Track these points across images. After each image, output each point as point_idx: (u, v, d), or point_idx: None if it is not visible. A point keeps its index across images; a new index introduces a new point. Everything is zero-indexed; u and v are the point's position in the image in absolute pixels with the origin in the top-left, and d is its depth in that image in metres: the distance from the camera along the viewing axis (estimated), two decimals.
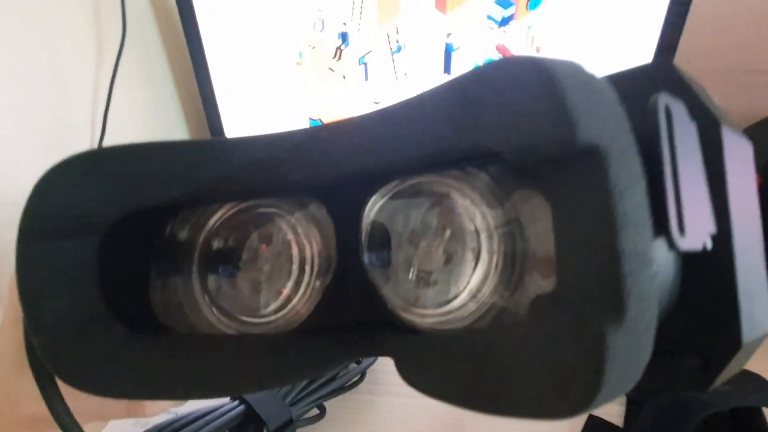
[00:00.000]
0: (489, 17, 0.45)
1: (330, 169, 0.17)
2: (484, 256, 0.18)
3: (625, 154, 0.11)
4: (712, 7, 0.50)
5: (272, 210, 0.22)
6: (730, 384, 0.26)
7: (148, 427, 0.29)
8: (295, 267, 0.21)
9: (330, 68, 0.51)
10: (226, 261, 0.22)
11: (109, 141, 0.46)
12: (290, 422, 0.29)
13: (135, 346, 0.18)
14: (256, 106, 0.54)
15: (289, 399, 0.30)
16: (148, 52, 0.54)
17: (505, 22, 0.45)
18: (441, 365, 0.15)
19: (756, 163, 0.45)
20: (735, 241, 0.15)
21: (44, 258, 0.17)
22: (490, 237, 0.18)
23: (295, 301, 0.21)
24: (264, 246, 0.22)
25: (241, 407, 0.29)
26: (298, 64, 0.51)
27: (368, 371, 0.34)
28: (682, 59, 0.45)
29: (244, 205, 0.22)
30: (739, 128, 0.18)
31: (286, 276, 0.21)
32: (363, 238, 0.20)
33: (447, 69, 0.49)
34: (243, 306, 0.22)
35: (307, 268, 0.21)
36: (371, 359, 0.34)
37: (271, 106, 0.54)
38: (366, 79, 0.51)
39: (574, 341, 0.11)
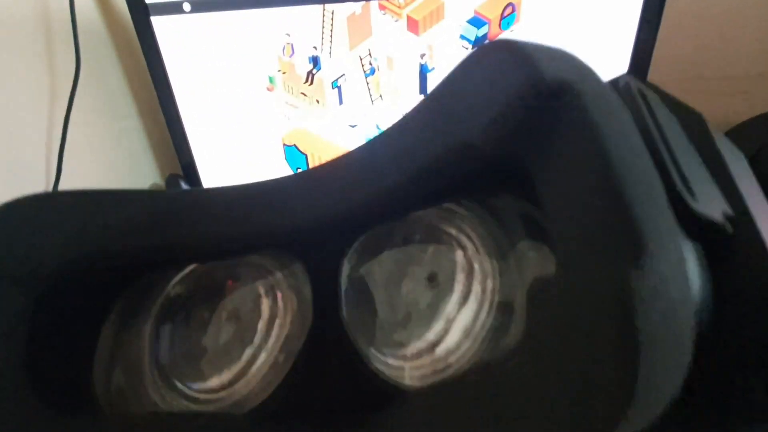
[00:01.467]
0: (462, 37, 0.45)
1: (307, 216, 0.16)
2: (476, 293, 0.16)
3: (601, 89, 0.10)
4: (679, 18, 0.50)
5: (244, 268, 0.20)
6: None
7: None
8: (261, 327, 0.19)
9: (303, 93, 0.49)
10: (185, 317, 0.19)
11: (68, 181, 0.43)
12: None
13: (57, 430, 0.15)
14: (228, 134, 0.52)
15: None
16: (107, 85, 0.51)
17: (479, 40, 0.45)
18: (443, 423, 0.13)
19: None
20: (762, 230, 0.12)
21: None
22: (483, 278, 0.16)
23: (254, 368, 0.18)
24: (228, 304, 0.19)
25: None
26: (269, 89, 0.49)
27: None
28: (654, 68, 0.45)
29: (211, 263, 0.20)
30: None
31: (249, 339, 0.19)
32: (343, 291, 0.18)
33: (423, 90, 0.47)
34: (193, 372, 0.18)
35: (274, 332, 0.19)
36: None
37: (244, 133, 0.51)
38: (340, 102, 0.49)
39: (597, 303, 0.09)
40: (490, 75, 0.12)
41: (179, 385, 0.18)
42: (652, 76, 0.45)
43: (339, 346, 0.17)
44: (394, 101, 0.48)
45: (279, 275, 0.19)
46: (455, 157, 0.13)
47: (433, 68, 0.46)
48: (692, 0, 0.51)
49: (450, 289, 0.16)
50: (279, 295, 0.19)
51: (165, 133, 0.51)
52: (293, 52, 0.47)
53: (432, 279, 0.17)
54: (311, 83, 0.48)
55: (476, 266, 0.16)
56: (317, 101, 0.49)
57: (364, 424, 0.15)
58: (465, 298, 0.16)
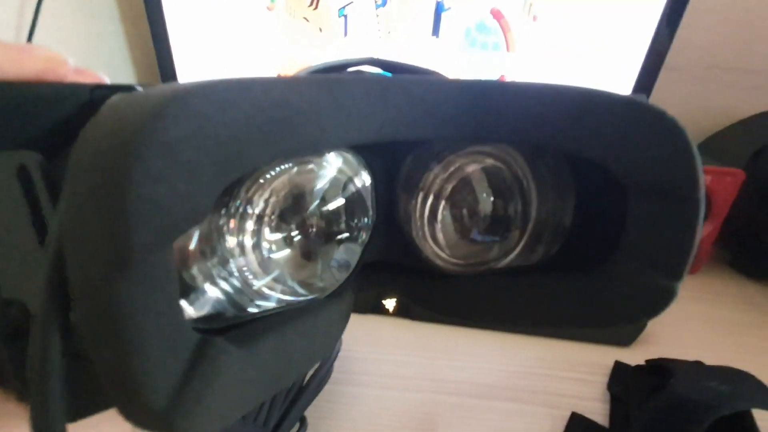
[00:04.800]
0: None
1: (382, 124, 0.15)
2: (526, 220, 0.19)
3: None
4: (704, 5, 0.48)
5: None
6: (730, 385, 0.24)
7: None
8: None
9: (305, 17, 0.45)
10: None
11: None
12: None
13: None
14: (217, 53, 0.47)
15: (271, 424, 0.24)
16: None
17: None
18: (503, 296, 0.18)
19: (740, 160, 0.44)
20: None
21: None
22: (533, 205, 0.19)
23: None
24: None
25: None
26: (269, 8, 0.45)
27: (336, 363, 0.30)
28: (673, 49, 0.43)
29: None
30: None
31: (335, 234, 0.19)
32: (403, 192, 0.19)
33: (435, 31, 0.44)
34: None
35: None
36: (335, 353, 0.30)
37: (234, 54, 0.47)
38: (345, 34, 0.45)
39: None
40: (651, 147, 0.14)
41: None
42: (669, 59, 0.43)
43: (397, 235, 0.19)
44: (403, 40, 0.45)
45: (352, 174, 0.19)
46: (578, 155, 0.15)
47: (449, 8, 0.43)
48: None
49: (508, 214, 0.19)
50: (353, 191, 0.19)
51: (148, 45, 0.46)
52: None
53: (495, 203, 0.19)
54: (316, 7, 0.44)
55: (531, 196, 0.19)
56: (320, 29, 0.45)
57: (417, 290, 0.19)
58: (523, 222, 0.19)
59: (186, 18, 0.45)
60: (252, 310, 0.16)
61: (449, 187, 0.19)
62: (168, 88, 0.11)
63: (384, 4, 0.43)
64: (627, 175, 0.15)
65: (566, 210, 0.18)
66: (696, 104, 0.54)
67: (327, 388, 0.29)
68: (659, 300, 0.15)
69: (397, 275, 0.20)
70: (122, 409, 0.11)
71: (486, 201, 0.19)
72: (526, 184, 0.19)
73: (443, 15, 0.43)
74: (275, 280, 0.16)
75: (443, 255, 0.19)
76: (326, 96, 0.13)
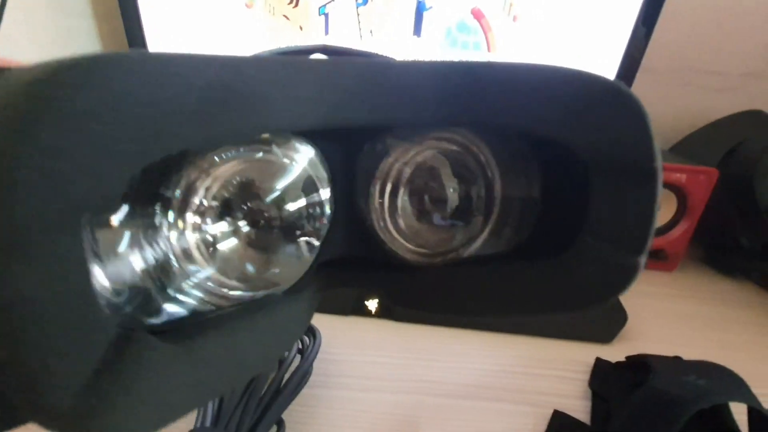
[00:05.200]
0: None
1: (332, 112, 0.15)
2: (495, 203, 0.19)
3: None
4: (679, 8, 0.50)
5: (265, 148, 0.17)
6: (707, 380, 0.25)
7: None
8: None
9: (285, 15, 0.44)
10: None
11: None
12: None
13: None
14: (195, 52, 0.46)
15: (244, 429, 0.23)
16: None
17: None
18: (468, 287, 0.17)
19: (714, 160, 0.45)
20: None
21: None
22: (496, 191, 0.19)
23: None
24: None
25: None
26: (247, 6, 0.44)
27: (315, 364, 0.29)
28: (648, 51, 0.44)
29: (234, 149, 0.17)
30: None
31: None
32: (362, 182, 0.19)
33: (417, 31, 0.44)
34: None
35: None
36: (314, 354, 0.29)
37: (212, 53, 0.46)
38: (326, 33, 0.45)
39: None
40: (613, 125, 0.14)
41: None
42: (644, 61, 0.44)
43: (358, 228, 0.19)
44: (385, 39, 0.44)
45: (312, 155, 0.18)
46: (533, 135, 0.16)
47: (430, 7, 0.43)
48: None
49: (472, 202, 0.19)
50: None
51: (122, 43, 0.45)
52: None
53: (456, 187, 0.19)
54: (296, 5, 0.44)
55: (494, 181, 0.19)
56: (300, 27, 0.45)
57: (383, 285, 0.19)
58: (487, 211, 0.19)
59: (162, 15, 0.44)
60: (190, 302, 0.15)
61: (408, 172, 0.18)
62: (83, 56, 0.10)
63: (365, 2, 0.43)
64: (586, 151, 0.15)
65: (532, 194, 0.18)
66: (671, 105, 0.56)
67: (306, 392, 0.28)
68: (625, 276, 0.15)
69: (363, 272, 0.20)
70: (30, 413, 0.10)
71: (446, 185, 0.19)
72: (489, 168, 0.19)
73: (425, 14, 0.43)
74: (222, 272, 0.16)
75: (407, 245, 0.19)
76: (268, 77, 0.13)
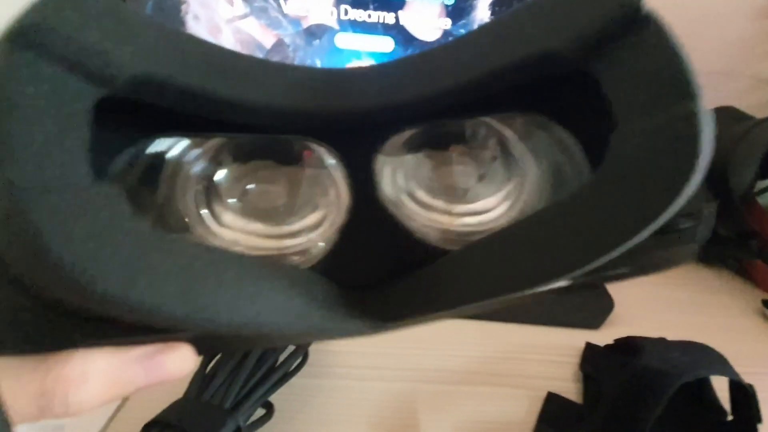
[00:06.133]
0: None
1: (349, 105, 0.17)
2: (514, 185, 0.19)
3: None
4: (651, 4, 0.52)
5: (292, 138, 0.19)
6: (691, 356, 0.26)
7: None
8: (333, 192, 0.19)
9: None
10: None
11: None
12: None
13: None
14: None
15: (228, 403, 0.24)
16: None
17: None
18: (499, 257, 0.15)
19: None
20: None
21: (34, 77, 0.13)
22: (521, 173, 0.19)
23: (326, 224, 0.19)
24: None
25: None
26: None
27: (311, 351, 0.30)
28: None
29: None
30: None
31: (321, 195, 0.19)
32: (381, 175, 0.19)
33: None
34: (270, 211, 0.19)
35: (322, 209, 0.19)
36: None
37: None
38: None
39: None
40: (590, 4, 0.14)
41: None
42: None
43: (380, 220, 0.19)
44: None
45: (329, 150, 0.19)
46: (532, 64, 0.15)
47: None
48: None
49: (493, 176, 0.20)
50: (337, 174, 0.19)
51: None
52: None
53: (479, 170, 0.20)
54: None
55: (517, 160, 0.19)
56: None
57: (411, 276, 0.17)
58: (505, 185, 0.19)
59: None
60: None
61: (424, 140, 0.20)
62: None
63: None
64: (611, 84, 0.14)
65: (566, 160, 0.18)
66: None
67: (301, 381, 0.28)
68: (688, 134, 0.13)
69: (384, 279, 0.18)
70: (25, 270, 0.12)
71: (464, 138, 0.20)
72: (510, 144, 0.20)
73: None
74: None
75: (431, 216, 0.19)
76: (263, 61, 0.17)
